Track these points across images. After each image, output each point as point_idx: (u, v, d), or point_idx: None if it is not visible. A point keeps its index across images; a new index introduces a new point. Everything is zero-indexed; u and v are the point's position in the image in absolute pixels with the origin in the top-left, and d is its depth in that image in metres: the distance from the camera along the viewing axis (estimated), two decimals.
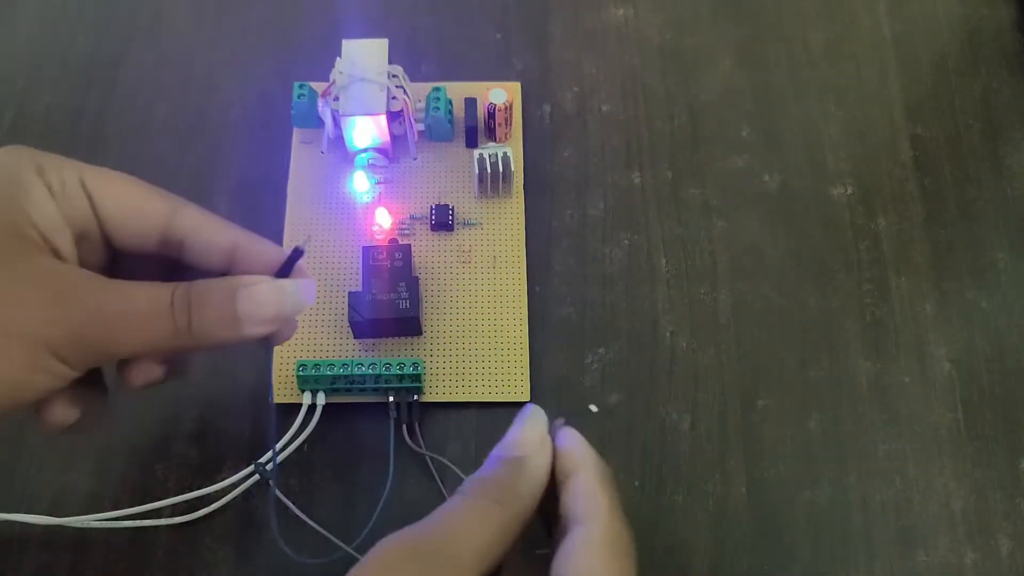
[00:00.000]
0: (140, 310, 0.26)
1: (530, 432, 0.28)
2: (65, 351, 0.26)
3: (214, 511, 0.35)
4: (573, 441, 0.28)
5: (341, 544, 0.34)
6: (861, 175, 0.42)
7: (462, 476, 0.36)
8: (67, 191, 0.27)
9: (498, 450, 0.28)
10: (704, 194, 0.42)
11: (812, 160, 0.43)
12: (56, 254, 0.27)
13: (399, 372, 0.36)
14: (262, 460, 0.35)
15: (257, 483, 0.35)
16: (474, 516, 0.26)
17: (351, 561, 0.30)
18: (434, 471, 0.36)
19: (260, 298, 0.28)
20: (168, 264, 0.30)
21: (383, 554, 0.25)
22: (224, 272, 0.29)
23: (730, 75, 0.45)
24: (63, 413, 0.28)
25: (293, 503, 0.35)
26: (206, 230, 0.29)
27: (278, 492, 0.35)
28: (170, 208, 0.29)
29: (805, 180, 0.42)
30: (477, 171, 0.40)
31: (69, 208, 0.27)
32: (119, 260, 0.30)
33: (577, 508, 0.27)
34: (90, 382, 0.29)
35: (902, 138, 0.43)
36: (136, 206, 0.29)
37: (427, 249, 0.40)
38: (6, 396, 0.26)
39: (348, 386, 0.37)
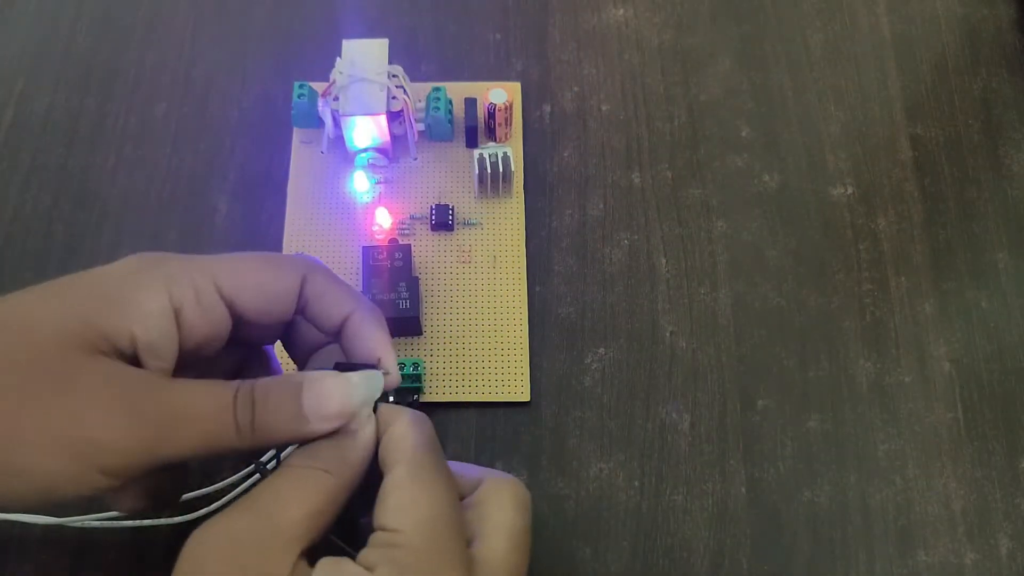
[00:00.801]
0: (202, 410, 0.25)
1: (359, 401, 0.27)
2: (111, 463, 0.25)
3: (214, 511, 0.35)
4: (381, 408, 0.28)
5: (342, 545, 0.34)
6: (861, 175, 0.42)
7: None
8: (203, 302, 0.27)
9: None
10: (704, 194, 0.42)
11: (812, 160, 0.43)
12: (138, 363, 0.26)
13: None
14: (263, 459, 0.35)
15: (257, 483, 0.35)
16: (300, 486, 0.25)
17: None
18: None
19: (326, 393, 0.27)
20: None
21: (194, 547, 0.24)
22: (335, 333, 0.29)
23: (730, 75, 0.45)
24: (128, 503, 0.28)
25: None
26: (330, 296, 0.29)
27: None
28: (300, 278, 0.28)
29: (805, 180, 0.42)
30: (477, 171, 0.40)
31: (208, 321, 0.27)
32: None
33: (388, 457, 0.27)
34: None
35: (902, 138, 0.43)
36: (272, 291, 0.28)
37: (427, 249, 0.40)
38: (35, 498, 0.25)
39: None
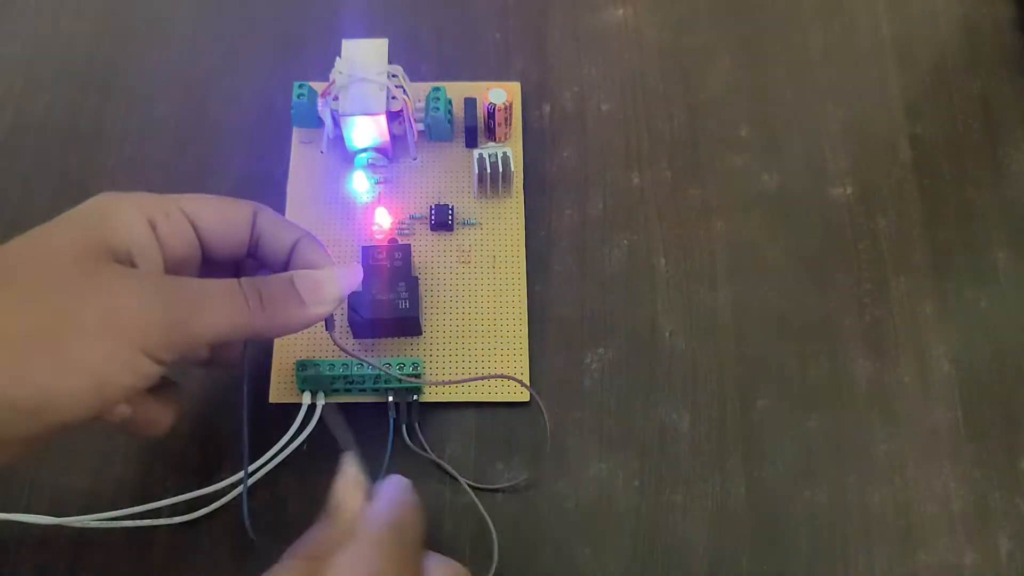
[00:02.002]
0: (216, 292, 0.29)
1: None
2: (153, 344, 0.27)
3: (213, 511, 0.35)
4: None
5: None
6: (860, 175, 0.42)
7: (460, 477, 0.36)
8: (172, 221, 0.30)
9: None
10: (703, 194, 0.42)
11: (811, 160, 0.43)
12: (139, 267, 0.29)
13: (399, 372, 0.36)
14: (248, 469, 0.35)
15: (257, 483, 0.35)
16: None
17: None
18: (436, 470, 0.36)
19: (316, 281, 0.31)
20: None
21: None
22: (284, 269, 0.33)
23: (729, 75, 0.45)
24: (156, 412, 0.31)
25: (292, 503, 0.35)
26: (280, 228, 0.33)
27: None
28: (251, 211, 0.32)
29: (804, 180, 0.42)
30: (477, 171, 0.40)
31: (178, 236, 0.30)
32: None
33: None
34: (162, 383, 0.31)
35: (901, 138, 0.43)
36: (229, 220, 0.32)
37: (427, 249, 0.40)
38: (91, 391, 0.26)
39: (347, 386, 0.37)
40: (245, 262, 0.33)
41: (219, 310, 0.29)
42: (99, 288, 0.27)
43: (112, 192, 0.30)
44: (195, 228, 0.31)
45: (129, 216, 0.29)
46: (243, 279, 0.30)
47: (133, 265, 0.29)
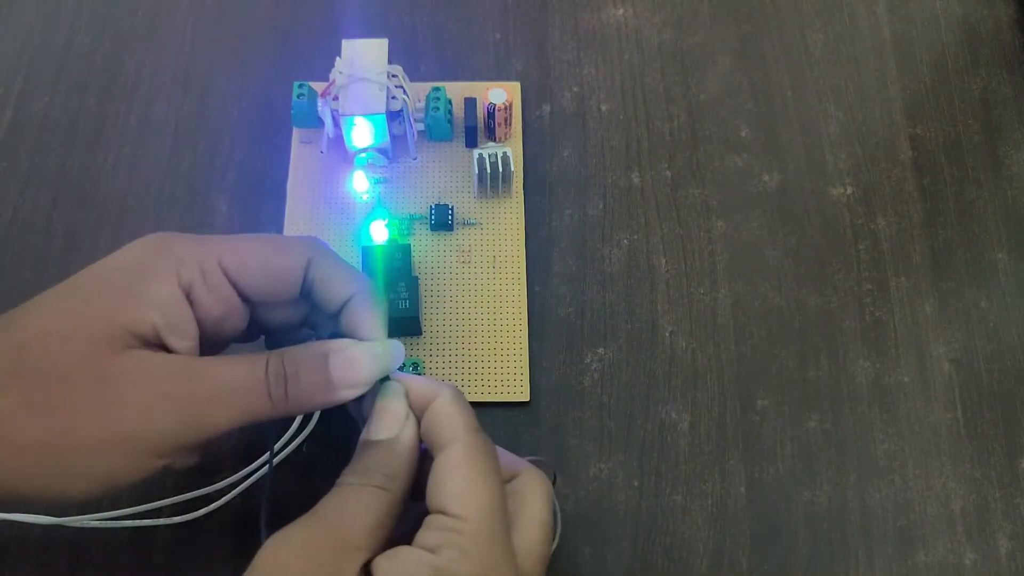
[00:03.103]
0: (236, 387, 0.27)
1: (393, 410, 0.29)
2: (161, 448, 0.27)
3: (213, 511, 0.35)
4: (418, 382, 0.29)
5: None
6: (860, 175, 0.42)
7: None
8: (209, 281, 0.28)
9: (366, 435, 0.29)
10: (703, 194, 0.42)
11: (811, 160, 0.43)
12: (165, 348, 0.27)
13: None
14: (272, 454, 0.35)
15: (256, 483, 0.35)
16: (360, 503, 0.27)
17: None
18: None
19: (352, 362, 0.28)
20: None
21: (275, 553, 0.26)
22: (335, 314, 0.30)
23: (729, 75, 0.45)
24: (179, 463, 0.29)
25: (292, 503, 0.35)
26: (334, 281, 0.30)
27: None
28: (304, 260, 0.29)
29: (804, 180, 0.42)
30: (477, 171, 0.40)
31: (216, 298, 0.28)
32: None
33: (437, 435, 0.28)
34: None
35: (901, 138, 0.43)
36: (276, 272, 0.29)
37: (427, 249, 0.40)
38: (100, 490, 0.27)
39: None
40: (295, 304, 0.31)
41: (237, 405, 0.27)
42: (108, 396, 0.26)
43: (150, 241, 0.28)
44: (236, 285, 0.29)
45: (161, 288, 0.27)
46: (271, 361, 0.28)
47: (161, 343, 0.27)
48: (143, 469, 0.27)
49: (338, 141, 0.41)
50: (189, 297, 0.28)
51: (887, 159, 0.43)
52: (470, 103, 0.42)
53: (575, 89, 0.44)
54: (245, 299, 0.29)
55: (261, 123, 0.43)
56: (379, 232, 0.39)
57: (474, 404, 0.37)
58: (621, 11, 0.46)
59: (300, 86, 0.41)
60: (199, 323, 0.28)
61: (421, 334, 0.38)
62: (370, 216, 0.39)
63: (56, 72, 0.44)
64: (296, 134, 0.42)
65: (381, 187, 0.41)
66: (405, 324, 0.37)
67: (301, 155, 0.42)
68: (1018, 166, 0.43)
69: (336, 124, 0.40)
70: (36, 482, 0.26)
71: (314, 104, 0.41)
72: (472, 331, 0.38)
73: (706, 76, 0.45)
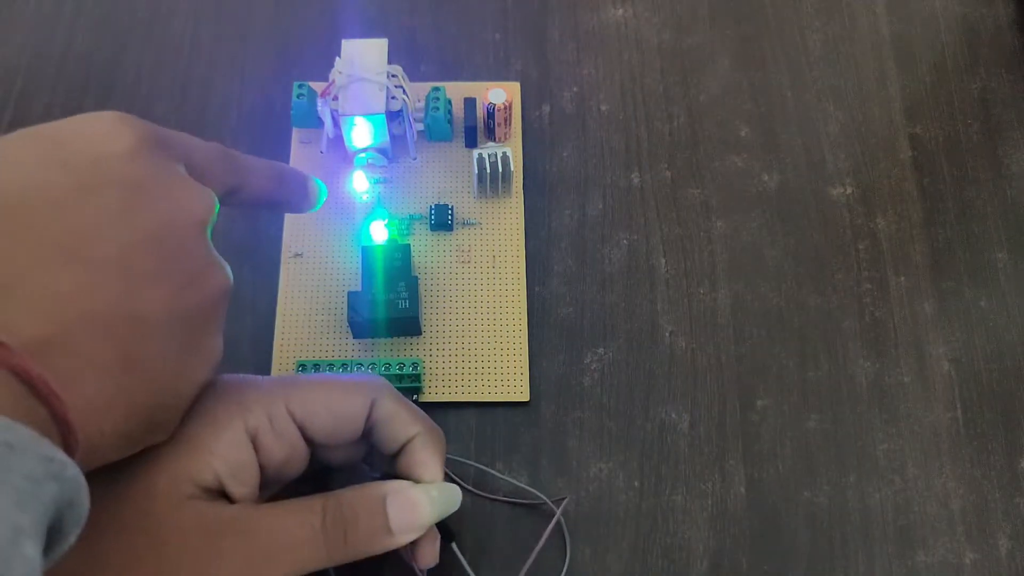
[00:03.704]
0: (290, 543, 0.27)
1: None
2: None
3: None
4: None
5: None
6: (860, 175, 0.42)
7: (458, 478, 0.36)
8: (276, 427, 0.28)
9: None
10: (703, 194, 0.42)
11: (811, 160, 0.43)
12: (225, 494, 0.27)
13: (398, 372, 0.36)
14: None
15: None
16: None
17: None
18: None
19: (411, 505, 0.28)
20: None
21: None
22: (394, 455, 0.30)
23: (729, 75, 0.45)
24: None
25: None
26: (397, 421, 0.30)
27: None
28: (369, 401, 0.30)
29: (804, 180, 0.42)
30: (476, 171, 0.40)
31: (282, 444, 0.28)
32: None
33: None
34: None
35: (901, 138, 0.43)
36: (342, 415, 0.29)
37: (426, 249, 0.40)
38: None
39: None
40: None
41: (291, 560, 0.27)
42: (166, 554, 0.25)
43: (221, 389, 0.28)
44: (302, 428, 0.29)
45: (230, 439, 0.27)
46: (328, 508, 0.27)
47: (223, 491, 0.27)
48: None
49: (338, 141, 0.41)
50: (255, 442, 0.28)
51: (887, 159, 0.43)
52: (470, 103, 0.42)
53: (575, 89, 0.44)
54: (308, 441, 0.29)
55: (261, 123, 0.43)
56: (379, 232, 0.39)
57: (474, 404, 0.37)
58: (621, 11, 0.46)
59: (300, 86, 0.41)
60: (262, 468, 0.28)
61: (421, 334, 0.38)
62: (370, 216, 0.39)
63: (56, 72, 0.44)
64: (296, 134, 0.42)
65: (381, 187, 0.41)
66: (405, 324, 0.37)
67: (301, 155, 0.42)
68: (1018, 166, 0.43)
69: (336, 124, 0.40)
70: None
71: (314, 104, 0.41)
72: (472, 331, 0.38)
73: (706, 76, 0.45)
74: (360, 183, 0.40)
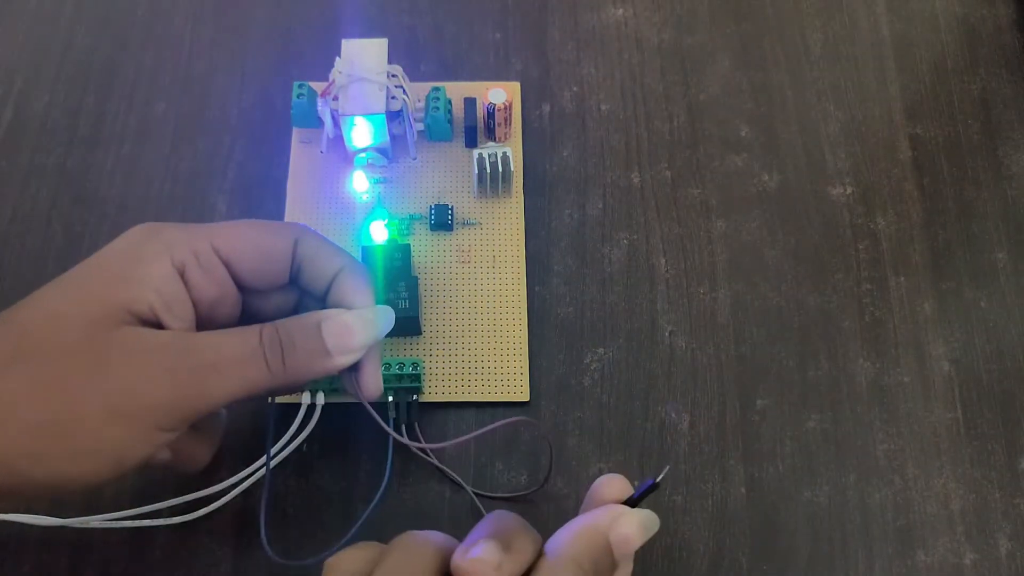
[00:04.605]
0: (233, 357, 0.28)
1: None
2: (165, 420, 0.27)
3: (213, 511, 0.35)
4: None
5: (343, 534, 0.34)
6: (860, 175, 0.42)
7: (457, 479, 0.36)
8: (203, 263, 0.29)
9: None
10: (703, 194, 0.42)
11: (811, 160, 0.43)
12: (162, 326, 0.28)
13: (398, 372, 0.36)
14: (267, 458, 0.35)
15: (256, 483, 0.35)
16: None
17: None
18: (435, 470, 0.36)
19: (344, 327, 0.29)
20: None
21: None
22: (324, 295, 0.31)
23: (729, 75, 0.45)
24: (193, 449, 0.31)
25: (292, 503, 0.35)
26: (321, 256, 0.31)
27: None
28: (292, 240, 0.31)
29: (804, 180, 0.42)
30: (476, 171, 0.40)
31: (210, 279, 0.29)
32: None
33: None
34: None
35: (901, 138, 0.43)
36: (267, 252, 0.30)
37: (426, 249, 0.40)
38: (109, 469, 0.27)
39: None
40: (284, 289, 0.32)
41: (236, 375, 0.28)
42: (109, 371, 0.26)
43: (143, 228, 0.29)
44: (229, 266, 0.30)
45: (155, 268, 0.28)
46: (265, 330, 0.28)
47: (157, 321, 0.28)
48: (149, 443, 0.27)
49: (338, 141, 0.41)
50: (183, 278, 0.29)
51: (887, 159, 0.43)
52: (470, 103, 0.42)
53: (575, 89, 0.44)
54: (238, 285, 0.30)
55: (261, 123, 0.43)
56: (379, 232, 0.39)
57: (474, 404, 0.37)
58: (621, 11, 0.46)
59: (300, 86, 0.41)
60: (194, 305, 0.29)
61: (421, 334, 0.38)
62: (370, 216, 0.39)
63: (56, 72, 0.44)
64: (296, 134, 0.42)
65: (381, 187, 0.41)
66: (405, 324, 0.37)
67: (301, 155, 0.42)
68: (1018, 166, 0.43)
69: (336, 124, 0.40)
70: (46, 464, 0.26)
71: (314, 104, 0.41)
72: (472, 331, 0.38)
73: (706, 76, 0.45)
74: (360, 183, 0.40)
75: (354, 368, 0.31)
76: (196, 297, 0.29)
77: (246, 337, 0.28)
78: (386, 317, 0.31)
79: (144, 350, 0.27)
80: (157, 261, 0.28)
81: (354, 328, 0.30)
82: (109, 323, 0.27)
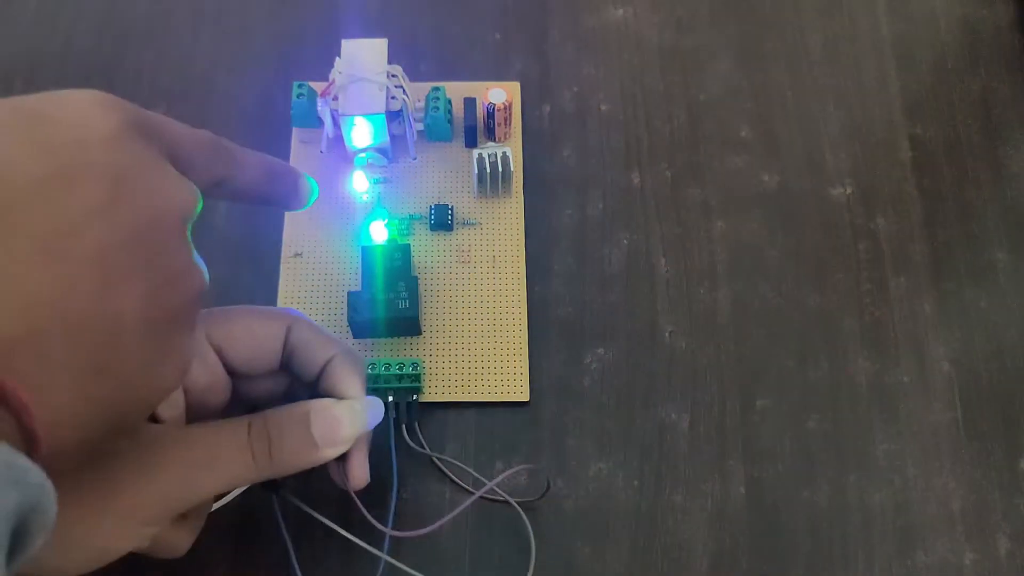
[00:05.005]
0: (222, 455, 0.28)
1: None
2: (151, 515, 0.27)
3: (213, 511, 0.35)
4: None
5: (349, 536, 0.34)
6: (860, 175, 0.42)
7: (457, 480, 0.36)
8: (200, 354, 0.29)
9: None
10: (703, 194, 0.42)
11: (811, 160, 0.43)
12: (153, 418, 0.28)
13: (398, 372, 0.36)
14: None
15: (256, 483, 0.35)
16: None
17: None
18: (435, 470, 0.36)
19: (333, 420, 0.29)
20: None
21: None
22: (314, 381, 0.31)
23: (729, 75, 0.45)
24: (174, 539, 0.30)
25: (292, 502, 0.35)
26: (313, 344, 0.31)
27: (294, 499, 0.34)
28: (284, 326, 0.31)
29: (804, 180, 0.42)
30: (476, 171, 0.40)
31: (203, 369, 0.29)
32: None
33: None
34: None
35: (901, 138, 0.43)
36: (259, 343, 0.30)
37: (426, 249, 0.40)
38: (93, 562, 0.27)
39: None
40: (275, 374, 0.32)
41: (224, 471, 0.28)
42: (103, 469, 0.26)
43: None
44: (220, 353, 0.30)
45: None
46: (253, 424, 0.28)
47: (155, 415, 0.28)
48: (134, 538, 0.27)
49: (338, 141, 0.41)
50: None
51: (887, 159, 0.43)
52: (470, 103, 0.42)
53: (575, 89, 0.44)
54: (228, 371, 0.30)
55: (261, 123, 0.43)
56: (379, 232, 0.39)
57: (474, 404, 0.37)
58: (621, 11, 0.46)
59: (300, 86, 0.41)
60: (185, 392, 0.29)
61: (421, 334, 0.38)
62: (370, 216, 0.39)
63: (56, 72, 0.44)
64: (296, 134, 0.42)
65: (381, 187, 0.41)
66: (405, 324, 0.37)
67: (301, 155, 0.42)
68: (1018, 166, 0.43)
69: (336, 124, 0.40)
70: (39, 554, 0.25)
71: (314, 104, 0.41)
72: (472, 331, 0.38)
73: (706, 76, 0.45)
74: (360, 183, 0.40)
75: (342, 457, 0.31)
76: (187, 385, 0.29)
77: (235, 432, 0.28)
78: (375, 409, 0.31)
79: (136, 447, 0.27)
80: None
81: (343, 421, 0.29)
82: None
